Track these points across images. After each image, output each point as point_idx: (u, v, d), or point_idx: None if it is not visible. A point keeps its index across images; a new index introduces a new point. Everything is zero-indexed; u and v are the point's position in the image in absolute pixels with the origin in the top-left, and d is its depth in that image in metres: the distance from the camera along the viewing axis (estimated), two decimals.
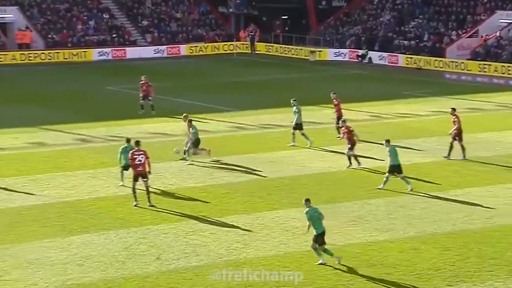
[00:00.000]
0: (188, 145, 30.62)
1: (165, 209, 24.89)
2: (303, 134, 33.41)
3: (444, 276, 19.66)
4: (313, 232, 20.24)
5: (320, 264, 20.13)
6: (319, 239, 20.17)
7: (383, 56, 64.30)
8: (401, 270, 20.01)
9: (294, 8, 74.76)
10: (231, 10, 75.76)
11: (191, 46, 70.01)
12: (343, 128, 30.21)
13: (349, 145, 29.72)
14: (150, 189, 25.51)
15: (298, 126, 33.34)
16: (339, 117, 34.52)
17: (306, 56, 67.80)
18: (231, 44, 71.45)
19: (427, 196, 26.42)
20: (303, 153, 32.53)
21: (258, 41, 71.83)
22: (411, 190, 26.74)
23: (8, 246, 21.63)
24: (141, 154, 25.14)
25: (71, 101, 46.50)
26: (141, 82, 40.89)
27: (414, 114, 42.21)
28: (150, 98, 40.48)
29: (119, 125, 37.53)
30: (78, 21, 70.02)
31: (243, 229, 23.01)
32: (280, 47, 70.69)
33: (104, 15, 71.41)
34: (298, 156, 32.10)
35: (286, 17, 76.40)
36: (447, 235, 22.60)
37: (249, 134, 37.02)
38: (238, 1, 75.53)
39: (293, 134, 33.50)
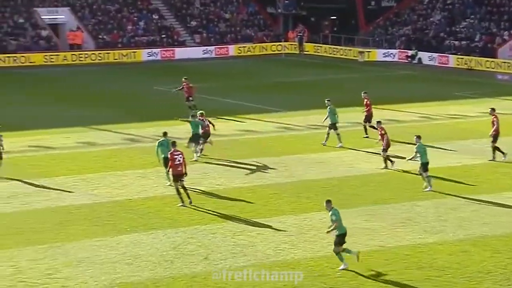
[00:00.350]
0: (188, 141, 31.25)
1: (212, 209, 24.97)
2: (328, 134, 33.44)
3: (495, 279, 19.39)
4: (335, 232, 19.94)
5: (342, 269, 19.85)
6: (342, 239, 20.01)
7: (433, 57, 63.66)
8: (450, 273, 19.79)
9: (343, 8, 74.40)
10: (279, 10, 75.76)
11: (240, 47, 70.17)
12: (378, 130, 30.13)
13: (384, 147, 29.61)
14: (188, 188, 25.60)
15: (332, 125, 33.40)
16: (368, 116, 34.66)
17: (354, 56, 67.48)
18: (280, 45, 71.43)
19: (477, 199, 26.08)
20: (350, 154, 32.37)
21: (306, 42, 71.72)
22: (425, 189, 26.61)
23: (59, 245, 21.89)
24: (180, 154, 25.33)
25: (121, 101, 46.95)
26: (183, 84, 41.11)
27: (464, 115, 41.70)
28: (191, 98, 40.74)
29: (167, 125, 37.67)
30: (128, 22, 70.69)
31: (290, 230, 22.97)
32: (329, 47, 70.47)
33: (154, 16, 71.96)
34: (346, 157, 31.96)
35: (335, 17, 76.12)
36: (497, 238, 22.28)
37: (297, 135, 36.96)
38: (286, 1, 75.50)
39: (338, 135, 33.51)
